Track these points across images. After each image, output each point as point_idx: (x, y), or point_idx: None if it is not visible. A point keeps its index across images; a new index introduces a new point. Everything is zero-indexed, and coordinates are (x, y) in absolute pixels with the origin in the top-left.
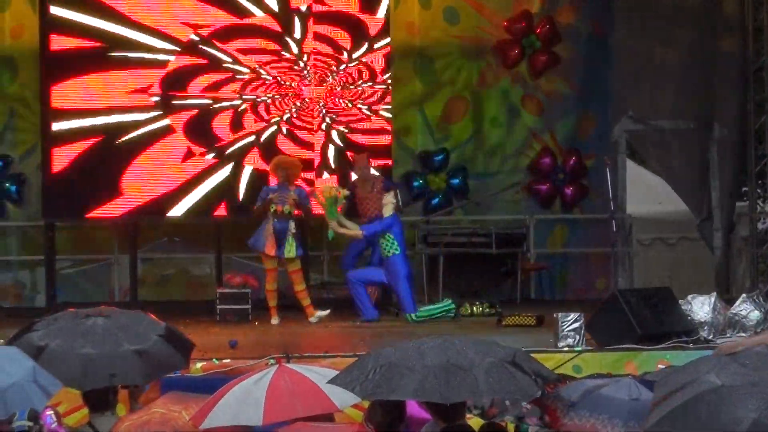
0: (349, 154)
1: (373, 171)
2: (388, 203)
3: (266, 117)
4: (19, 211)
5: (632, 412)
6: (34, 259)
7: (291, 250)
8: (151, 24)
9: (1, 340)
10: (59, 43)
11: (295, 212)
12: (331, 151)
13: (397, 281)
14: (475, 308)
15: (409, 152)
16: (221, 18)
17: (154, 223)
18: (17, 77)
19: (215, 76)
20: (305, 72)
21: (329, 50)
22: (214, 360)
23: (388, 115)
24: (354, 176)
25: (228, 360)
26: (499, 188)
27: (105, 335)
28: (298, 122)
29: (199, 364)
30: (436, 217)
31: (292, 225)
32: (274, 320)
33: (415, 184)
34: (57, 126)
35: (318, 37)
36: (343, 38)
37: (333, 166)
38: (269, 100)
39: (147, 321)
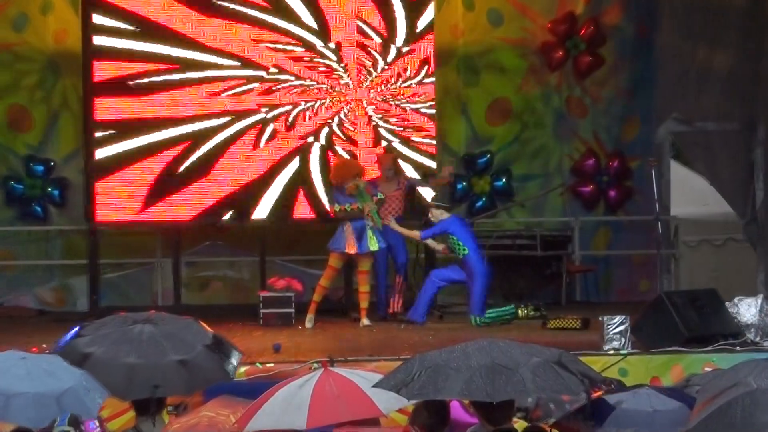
0: (375, 155)
1: (410, 171)
2: (438, 216)
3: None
4: (62, 215)
5: (657, 423)
6: (77, 263)
7: (374, 243)
8: (195, 37)
9: (44, 345)
10: (102, 69)
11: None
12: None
13: (470, 280)
14: (520, 311)
15: (452, 154)
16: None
17: (198, 227)
18: (60, 80)
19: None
20: (347, 75)
21: (373, 51)
22: (257, 364)
23: (432, 115)
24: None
25: (272, 364)
26: (543, 191)
27: (150, 343)
28: (347, 126)
29: (242, 369)
30: (480, 220)
31: (368, 220)
32: (309, 322)
33: (459, 186)
34: (100, 133)
35: (361, 33)
36: (388, 38)
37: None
38: (316, 106)
39: (195, 329)
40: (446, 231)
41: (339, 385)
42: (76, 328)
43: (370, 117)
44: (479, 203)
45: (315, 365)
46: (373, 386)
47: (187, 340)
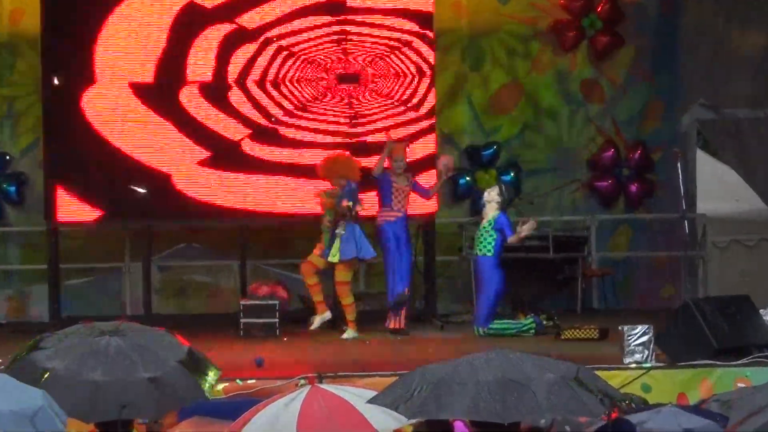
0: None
1: None
2: (493, 200)
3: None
4: (19, 214)
5: None
6: (36, 268)
7: (335, 254)
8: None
9: None
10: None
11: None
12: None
13: (480, 285)
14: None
15: (454, 146)
16: None
17: (171, 227)
18: (16, 65)
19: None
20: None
21: (366, 29)
22: (237, 381)
23: (431, 103)
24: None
25: (253, 380)
26: (555, 186)
27: (118, 358)
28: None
29: (220, 386)
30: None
31: (340, 226)
32: (315, 321)
33: (461, 181)
34: (62, 118)
35: (356, 13)
36: (383, 17)
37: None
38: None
39: (168, 342)
40: (503, 225)
41: (328, 402)
42: None
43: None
44: None
45: (302, 382)
46: (368, 402)
47: (159, 355)
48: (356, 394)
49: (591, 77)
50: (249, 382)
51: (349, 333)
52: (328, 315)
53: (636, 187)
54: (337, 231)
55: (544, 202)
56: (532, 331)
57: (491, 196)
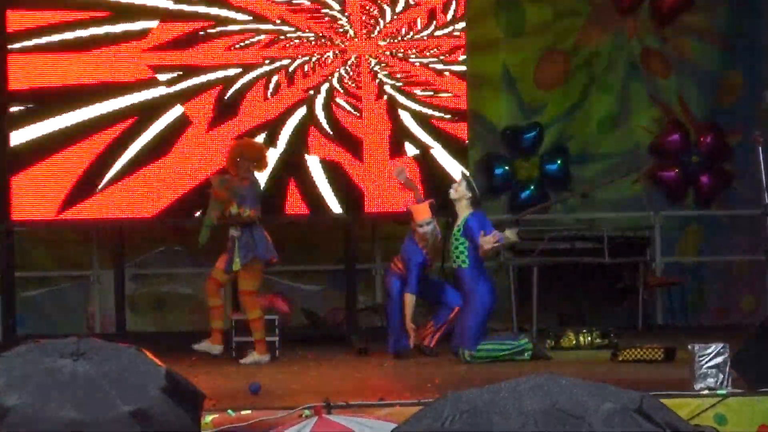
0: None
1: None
2: (462, 197)
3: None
4: None
5: None
6: None
7: (236, 260)
8: None
9: None
10: (18, 20)
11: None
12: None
13: (465, 301)
14: (581, 338)
15: (489, 129)
16: None
17: (147, 226)
18: None
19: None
20: (347, 24)
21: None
22: (229, 411)
23: (461, 71)
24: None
25: (248, 411)
26: (611, 176)
27: (89, 389)
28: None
29: (209, 417)
30: (527, 216)
31: (233, 228)
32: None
33: (498, 171)
34: (17, 105)
35: None
36: None
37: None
38: (307, 64)
39: (143, 365)
40: (470, 231)
41: None
42: None
43: (375, 74)
44: (525, 193)
45: (306, 412)
46: None
47: (136, 383)
48: (371, 427)
49: (653, 45)
50: (244, 413)
51: (253, 357)
52: (218, 349)
53: (708, 179)
54: (232, 233)
55: (598, 195)
56: (528, 353)
57: (459, 192)
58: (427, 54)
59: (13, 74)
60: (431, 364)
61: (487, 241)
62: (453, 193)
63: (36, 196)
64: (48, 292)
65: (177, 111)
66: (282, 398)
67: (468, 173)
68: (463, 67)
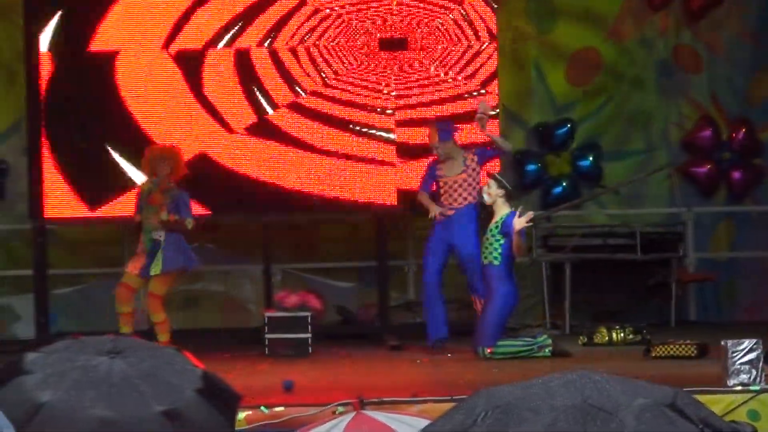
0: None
1: None
2: (496, 198)
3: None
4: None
5: None
6: (19, 274)
7: (156, 265)
8: None
9: None
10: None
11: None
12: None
13: (488, 298)
14: (614, 334)
15: (520, 125)
16: None
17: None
18: None
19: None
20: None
21: None
22: (262, 408)
23: (490, 72)
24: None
25: (281, 407)
26: (643, 172)
27: (123, 387)
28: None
29: (242, 414)
30: (559, 213)
31: (156, 232)
32: None
33: (530, 167)
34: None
35: None
36: None
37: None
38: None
39: (180, 365)
40: (508, 228)
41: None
42: None
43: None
44: (557, 190)
45: (340, 409)
46: (422, 430)
47: (173, 383)
48: (406, 423)
49: (685, 41)
50: (276, 409)
51: None
52: None
53: (740, 174)
54: (155, 237)
55: (630, 191)
56: (548, 349)
57: (493, 195)
58: (458, 50)
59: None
60: (464, 360)
61: (519, 222)
62: (487, 198)
63: (68, 195)
64: (81, 289)
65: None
66: (315, 395)
67: (493, 172)
68: (494, 61)
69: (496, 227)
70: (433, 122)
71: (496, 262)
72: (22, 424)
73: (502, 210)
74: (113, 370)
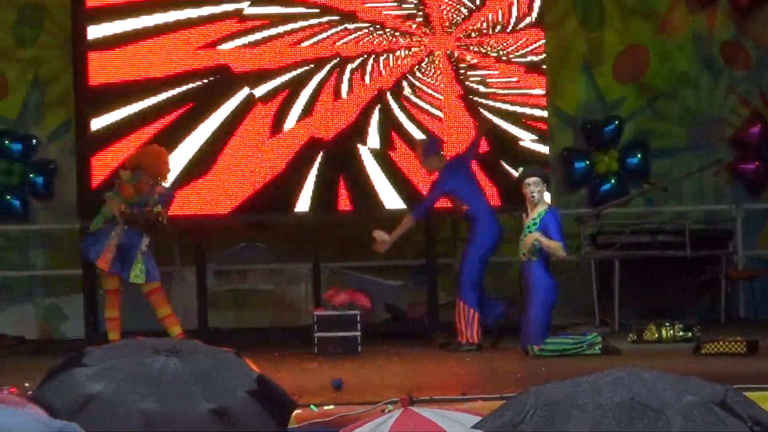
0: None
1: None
2: (535, 191)
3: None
4: (48, 210)
5: None
6: (69, 274)
7: (138, 275)
8: None
9: (27, 384)
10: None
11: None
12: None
13: (529, 295)
14: (664, 331)
15: (568, 122)
16: None
17: (229, 225)
18: (42, 31)
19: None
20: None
21: None
22: (312, 407)
23: (541, 66)
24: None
25: (331, 406)
26: (692, 169)
27: (175, 385)
28: (423, 86)
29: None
30: (607, 210)
31: (145, 240)
32: None
33: (578, 165)
34: (99, 95)
35: None
36: None
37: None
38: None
39: (237, 368)
40: (546, 228)
41: (422, 428)
42: None
43: (456, 71)
44: (605, 187)
45: (389, 407)
46: (473, 427)
47: (225, 383)
48: (455, 420)
49: (733, 38)
50: (326, 408)
51: None
52: None
53: None
54: (143, 249)
55: (679, 188)
56: (598, 347)
57: (540, 191)
58: (507, 48)
59: (91, 67)
60: (513, 358)
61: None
62: (537, 196)
63: None
64: (128, 289)
65: (255, 108)
66: (364, 393)
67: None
68: (542, 59)
69: (534, 223)
70: (419, 141)
71: (534, 258)
72: (73, 412)
73: (539, 206)
74: (167, 368)
